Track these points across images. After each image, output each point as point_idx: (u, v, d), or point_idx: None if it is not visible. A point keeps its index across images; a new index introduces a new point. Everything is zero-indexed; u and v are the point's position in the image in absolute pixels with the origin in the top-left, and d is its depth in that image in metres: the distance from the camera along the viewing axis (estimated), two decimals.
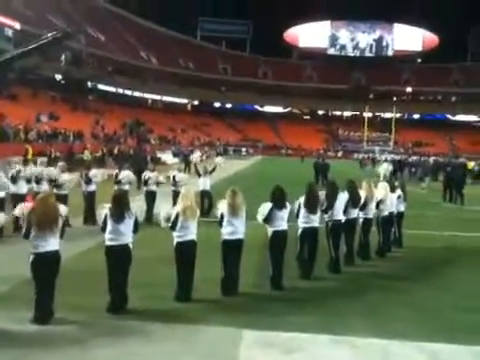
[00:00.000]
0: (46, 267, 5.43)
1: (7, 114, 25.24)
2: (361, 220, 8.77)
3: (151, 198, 11.78)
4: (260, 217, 6.94)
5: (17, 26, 39.61)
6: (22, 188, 10.48)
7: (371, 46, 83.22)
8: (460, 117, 74.22)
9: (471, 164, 31.70)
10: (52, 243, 5.51)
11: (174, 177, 12.53)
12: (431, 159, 36.84)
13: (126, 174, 11.81)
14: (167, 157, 35.90)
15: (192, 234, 6.38)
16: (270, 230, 6.95)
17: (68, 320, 5.50)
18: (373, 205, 8.80)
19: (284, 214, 6.98)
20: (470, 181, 24.49)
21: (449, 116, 74.17)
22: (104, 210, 6.02)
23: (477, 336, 5.49)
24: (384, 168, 16.26)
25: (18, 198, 9.77)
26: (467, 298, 6.88)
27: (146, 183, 12.08)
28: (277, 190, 7.06)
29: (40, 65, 40.45)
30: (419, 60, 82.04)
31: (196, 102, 74.95)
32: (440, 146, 64.80)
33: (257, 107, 76.92)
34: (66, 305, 5.71)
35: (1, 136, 21.15)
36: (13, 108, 28.70)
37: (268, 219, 6.90)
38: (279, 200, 6.96)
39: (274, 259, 6.95)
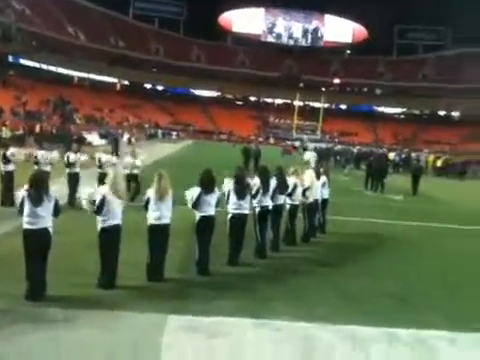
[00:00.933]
0: None
1: None
2: (288, 206, 8.95)
3: (74, 180, 11.29)
4: (188, 201, 6.88)
5: None
6: None
7: (303, 35, 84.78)
8: (384, 109, 77.86)
9: (392, 155, 33.39)
10: None
11: (100, 159, 12.13)
12: (355, 148, 38.41)
13: (46, 154, 11.24)
14: (93, 138, 34.60)
15: (117, 218, 6.20)
16: (198, 215, 6.91)
17: None
18: (300, 191, 9.00)
19: (212, 199, 6.96)
20: (391, 171, 25.80)
21: (374, 108, 77.51)
22: (22, 192, 5.69)
23: (394, 318, 5.80)
24: (311, 156, 16.73)
25: None
26: (385, 282, 7.25)
27: (69, 164, 11.54)
28: (206, 174, 7.02)
29: None
30: (348, 52, 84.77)
31: (126, 82, 72.85)
32: (365, 136, 67.63)
33: (189, 90, 76.13)
34: None
35: None
36: None
37: (196, 204, 6.85)
38: (207, 185, 6.93)
39: (201, 244, 6.93)
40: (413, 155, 34.09)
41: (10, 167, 10.79)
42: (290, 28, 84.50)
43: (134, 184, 12.16)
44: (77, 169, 11.59)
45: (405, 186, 20.05)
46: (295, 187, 8.85)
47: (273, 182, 8.27)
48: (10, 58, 51.06)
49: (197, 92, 76.91)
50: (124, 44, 70.16)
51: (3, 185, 10.62)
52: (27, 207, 5.59)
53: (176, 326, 5.18)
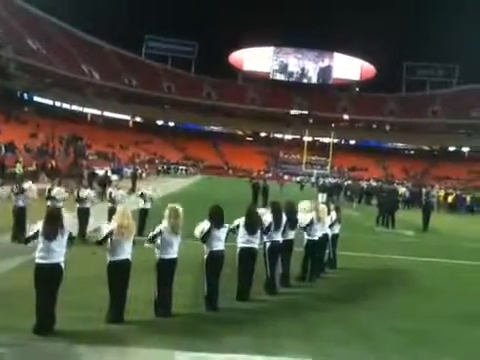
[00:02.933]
0: None
1: None
2: (305, 241, 8.90)
3: (84, 215, 11.38)
4: (198, 235, 6.89)
5: None
6: None
7: (312, 73, 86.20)
8: (394, 145, 78.04)
9: (402, 190, 33.24)
10: None
11: (111, 193, 12.26)
12: (364, 183, 38.34)
13: (60, 190, 11.40)
14: (105, 173, 34.96)
15: (126, 253, 6.22)
16: (207, 250, 6.90)
17: None
18: (319, 226, 8.95)
19: (222, 234, 6.98)
20: (401, 206, 25.62)
21: (384, 143, 77.73)
22: (37, 225, 5.76)
23: (406, 356, 5.67)
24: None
25: None
26: (398, 319, 7.11)
27: (79, 200, 11.63)
28: (215, 209, 7.05)
29: None
30: (357, 89, 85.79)
31: (138, 119, 74.12)
32: (374, 171, 67.62)
33: (200, 126, 77.12)
34: None
35: None
36: None
37: (205, 238, 6.86)
38: (217, 219, 6.95)
39: (209, 279, 6.89)
40: (423, 191, 33.89)
41: (22, 203, 10.89)
42: (299, 66, 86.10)
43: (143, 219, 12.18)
44: (88, 205, 11.68)
45: (416, 222, 19.87)
46: (312, 222, 8.82)
47: (284, 217, 8.27)
48: (25, 95, 52.33)
49: (207, 128, 77.86)
50: (137, 82, 71.75)
51: (15, 220, 10.69)
52: (41, 242, 5.64)
53: None
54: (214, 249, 6.88)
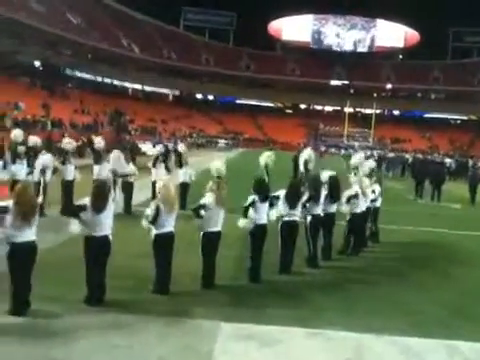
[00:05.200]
0: (23, 258, 5.36)
1: None
2: (348, 216, 8.85)
3: (128, 189, 11.71)
4: (241, 207, 6.95)
5: None
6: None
7: (354, 42, 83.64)
8: (439, 115, 75.31)
9: (448, 161, 32.25)
10: (29, 233, 5.43)
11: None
12: (409, 156, 37.37)
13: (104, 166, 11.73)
14: (147, 148, 35.56)
15: (170, 226, 6.37)
16: (251, 223, 6.95)
17: (45, 312, 5.44)
18: (362, 200, 8.86)
19: (265, 207, 7.01)
20: (447, 178, 24.93)
21: (427, 113, 75.18)
22: (84, 200, 5.96)
23: (450, 330, 5.63)
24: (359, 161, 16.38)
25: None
26: (441, 293, 7.03)
27: (124, 174, 11.93)
28: (259, 182, 7.08)
29: (17, 51, 39.66)
30: (400, 57, 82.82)
31: (177, 92, 74.46)
32: (418, 143, 65.71)
33: (239, 99, 76.74)
34: (43, 297, 5.64)
35: None
36: None
37: (248, 211, 6.91)
38: (261, 192, 6.98)
39: (253, 252, 6.99)
40: (470, 162, 32.74)
41: (70, 177, 11.27)
42: (339, 34, 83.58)
43: (185, 192, 12.39)
44: (131, 179, 11.98)
45: (462, 194, 19.31)
46: (355, 196, 8.74)
47: (325, 190, 8.22)
48: (67, 71, 53.42)
49: (246, 101, 77.38)
50: (175, 55, 71.81)
51: (63, 194, 11.08)
52: (90, 215, 5.84)
53: (228, 333, 5.25)
54: (258, 222, 6.94)
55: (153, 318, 5.51)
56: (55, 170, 11.19)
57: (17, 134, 11.43)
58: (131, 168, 11.96)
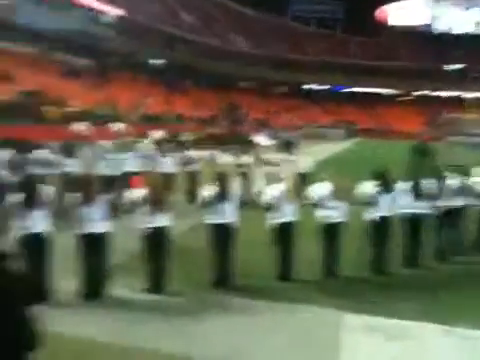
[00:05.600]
0: (158, 241, 5.78)
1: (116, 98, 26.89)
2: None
3: (245, 179, 12.09)
4: (362, 198, 6.79)
5: (116, 13, 41.85)
6: (133, 168, 11.15)
7: (468, 22, 76.54)
8: None
9: None
10: (162, 219, 5.83)
11: (268, 159, 12.77)
12: None
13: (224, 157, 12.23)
14: (262, 140, 36.15)
15: (290, 215, 6.42)
16: (372, 214, 6.77)
17: (177, 292, 5.84)
18: None
19: (387, 198, 6.78)
20: None
21: None
22: (207, 190, 6.25)
23: None
24: None
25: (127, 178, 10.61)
26: None
27: (240, 165, 12.34)
28: (381, 173, 6.86)
29: (139, 50, 42.62)
30: None
31: (288, 84, 74.40)
32: None
33: (351, 88, 74.60)
34: (176, 278, 6.04)
35: (115, 119, 22.68)
36: (119, 92, 30.48)
37: (371, 203, 6.73)
38: (383, 184, 6.76)
39: (376, 243, 6.80)
40: None
41: (194, 167, 11.98)
42: (451, 16, 76.94)
43: (303, 182, 12.41)
44: (246, 169, 12.32)
45: None
46: None
47: (454, 182, 7.69)
48: (185, 68, 55.97)
49: (359, 89, 74.94)
50: (284, 47, 71.79)
51: (188, 183, 11.76)
52: (214, 204, 6.10)
53: (353, 324, 5.17)
54: (381, 214, 6.73)
55: (276, 304, 5.63)
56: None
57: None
58: (247, 159, 12.33)
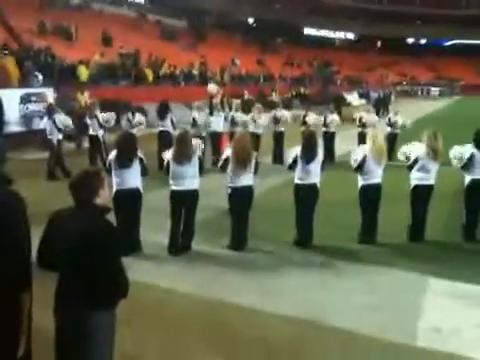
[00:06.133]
0: (241, 199, 5.96)
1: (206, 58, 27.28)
2: None
3: (330, 139, 12.04)
4: (456, 161, 6.43)
5: None
6: (219, 127, 11.41)
7: None
8: None
9: None
10: (246, 178, 5.97)
11: (361, 118, 12.35)
12: None
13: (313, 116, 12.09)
14: (353, 98, 34.97)
15: (378, 177, 6.27)
16: (468, 178, 6.40)
17: (259, 249, 6.03)
18: None
19: None
20: None
21: None
22: (295, 150, 6.25)
23: None
24: None
25: (216, 136, 10.92)
26: None
27: (325, 124, 12.16)
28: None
29: (233, 9, 42.41)
30: None
31: (386, 38, 70.35)
32: None
33: (456, 41, 68.74)
34: (257, 235, 6.24)
35: (203, 80, 23.17)
36: (213, 52, 30.82)
37: (467, 165, 6.35)
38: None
39: (470, 208, 6.44)
40: None
41: (280, 128, 11.98)
42: None
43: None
44: (332, 129, 12.10)
45: None
46: None
47: None
48: (278, 26, 55.04)
49: (465, 43, 68.81)
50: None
51: (274, 144, 11.85)
52: (300, 163, 6.10)
53: (439, 289, 5.05)
54: (476, 177, 6.34)
55: (362, 266, 5.61)
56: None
57: (211, 88, 12.50)
58: (334, 118, 12.10)
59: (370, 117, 12.49)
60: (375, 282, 5.19)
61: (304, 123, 11.92)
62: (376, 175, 6.25)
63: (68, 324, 2.67)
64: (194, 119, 10.87)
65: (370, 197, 6.27)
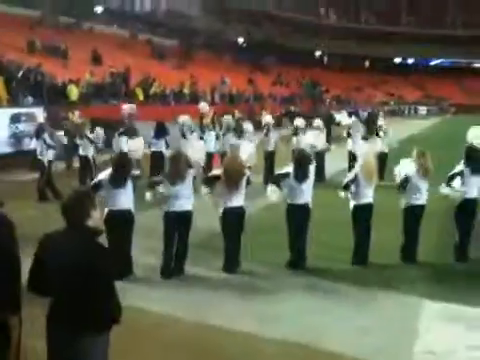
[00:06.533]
0: (233, 220, 5.90)
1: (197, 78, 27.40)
2: None
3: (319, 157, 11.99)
4: (448, 181, 6.45)
5: None
6: (210, 147, 11.41)
7: None
8: None
9: None
10: (237, 199, 5.92)
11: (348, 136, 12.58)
12: None
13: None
14: (342, 117, 35.16)
15: (369, 197, 6.28)
16: (459, 197, 6.42)
17: (253, 271, 5.98)
18: None
19: (477, 179, 6.37)
20: None
21: None
22: (285, 169, 6.25)
23: None
24: None
25: (207, 156, 10.93)
26: None
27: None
28: (473, 152, 6.44)
29: (223, 29, 42.88)
30: None
31: (373, 58, 71.37)
32: None
33: (443, 61, 69.93)
34: (251, 257, 6.17)
35: (193, 99, 23.24)
36: (202, 72, 30.97)
37: (454, 182, 6.39)
38: (475, 164, 6.35)
39: (462, 228, 6.45)
40: None
41: (271, 148, 11.97)
42: None
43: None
44: (323, 148, 12.14)
45: None
46: None
47: None
48: (266, 45, 55.65)
49: (452, 62, 70.01)
50: (374, 19, 68.70)
51: (266, 163, 11.81)
52: (292, 184, 6.06)
53: (433, 312, 5.03)
54: (466, 196, 6.36)
55: (352, 288, 5.57)
56: None
57: (203, 107, 12.60)
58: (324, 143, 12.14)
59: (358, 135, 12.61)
60: (369, 305, 5.16)
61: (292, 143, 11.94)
62: (367, 195, 6.26)
63: (60, 347, 2.62)
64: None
65: (362, 217, 6.26)
